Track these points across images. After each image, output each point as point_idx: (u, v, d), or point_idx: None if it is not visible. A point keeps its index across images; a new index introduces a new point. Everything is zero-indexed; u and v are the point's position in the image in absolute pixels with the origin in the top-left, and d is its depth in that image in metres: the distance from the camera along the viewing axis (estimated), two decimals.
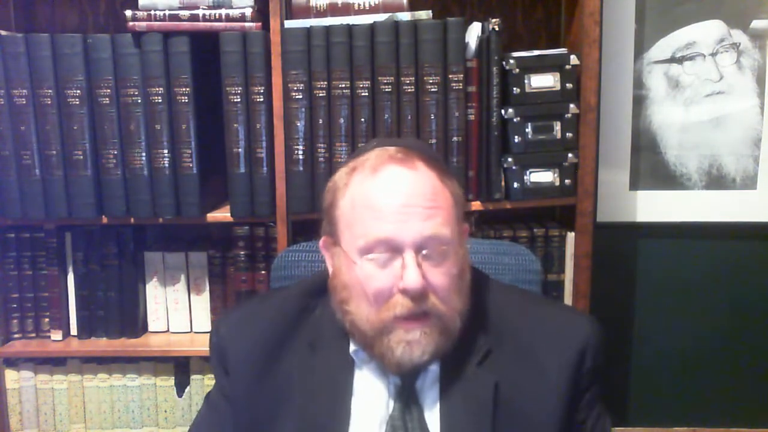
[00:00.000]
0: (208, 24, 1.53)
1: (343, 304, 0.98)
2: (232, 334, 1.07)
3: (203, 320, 1.74)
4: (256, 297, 1.28)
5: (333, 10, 1.56)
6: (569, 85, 1.58)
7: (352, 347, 1.02)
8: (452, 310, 0.95)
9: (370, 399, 1.00)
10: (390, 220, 0.93)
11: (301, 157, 1.56)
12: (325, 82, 1.53)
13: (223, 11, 1.53)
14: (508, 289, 1.11)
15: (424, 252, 0.93)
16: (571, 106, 1.58)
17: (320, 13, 1.56)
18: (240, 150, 1.57)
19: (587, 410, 1.02)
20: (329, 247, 1.02)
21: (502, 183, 1.60)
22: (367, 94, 1.53)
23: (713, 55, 1.82)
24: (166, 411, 1.73)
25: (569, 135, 1.59)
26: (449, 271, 0.95)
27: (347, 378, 1.01)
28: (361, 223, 0.95)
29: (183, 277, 1.72)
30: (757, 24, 1.81)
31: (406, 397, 0.99)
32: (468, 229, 1.04)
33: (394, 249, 0.93)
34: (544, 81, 1.57)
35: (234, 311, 1.13)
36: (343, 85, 1.53)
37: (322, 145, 1.56)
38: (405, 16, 1.54)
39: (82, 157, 1.57)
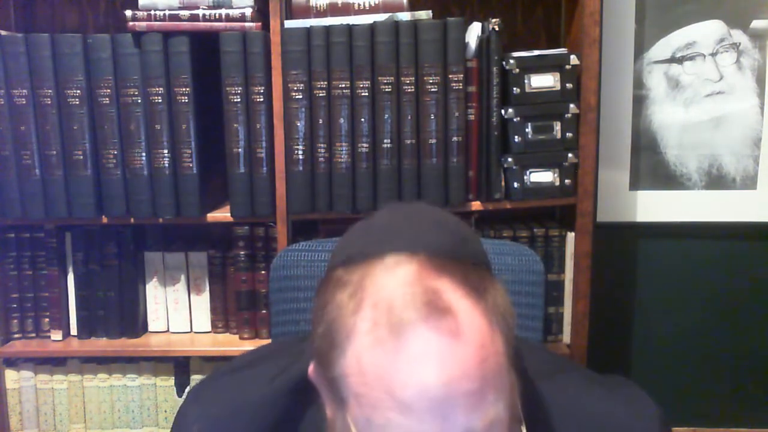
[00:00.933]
0: (208, 24, 1.53)
1: None
2: (201, 427, 0.85)
3: (203, 320, 1.74)
4: (227, 385, 0.91)
5: (333, 10, 1.56)
6: (569, 85, 1.58)
7: None
8: None
9: None
10: (422, 419, 0.63)
11: (301, 157, 1.56)
12: (325, 82, 1.53)
13: (223, 11, 1.53)
14: (562, 383, 0.85)
15: None
16: (571, 106, 1.58)
17: (320, 13, 1.56)
18: (240, 150, 1.57)
19: None
20: (323, 388, 0.73)
21: (502, 183, 1.60)
22: (367, 94, 1.53)
23: (713, 55, 1.82)
24: (166, 411, 1.73)
25: (569, 135, 1.59)
26: None
27: None
28: (378, 410, 0.64)
29: (183, 277, 1.72)
30: (757, 24, 1.81)
31: None
32: (515, 380, 0.71)
33: None
34: (544, 81, 1.57)
35: (201, 410, 0.87)
36: (343, 85, 1.53)
37: (322, 145, 1.56)
38: (405, 16, 1.54)
39: (82, 157, 1.57)
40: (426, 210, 0.80)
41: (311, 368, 0.75)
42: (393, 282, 0.67)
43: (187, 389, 1.72)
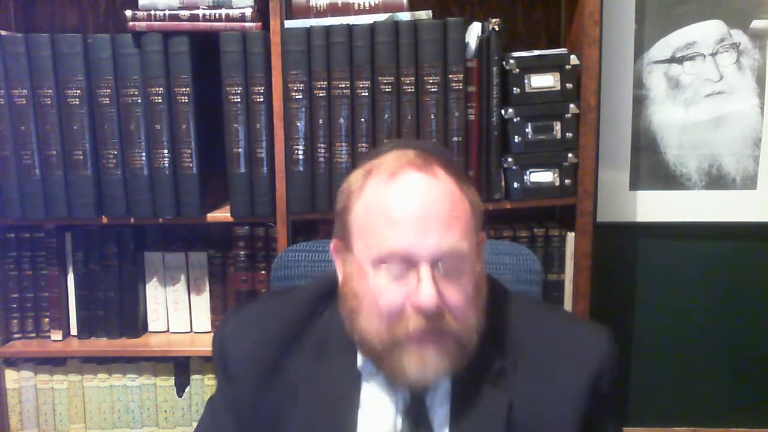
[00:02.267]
0: (208, 24, 1.53)
1: (353, 314, 0.93)
2: (236, 339, 1.02)
3: (203, 320, 1.74)
4: (261, 298, 1.22)
5: (333, 10, 1.56)
6: (569, 85, 1.58)
7: (359, 360, 0.97)
8: (468, 329, 0.91)
9: (377, 413, 0.96)
10: (406, 231, 0.87)
11: (301, 157, 1.56)
12: (325, 82, 1.53)
13: (223, 11, 1.53)
14: (525, 303, 1.05)
15: (440, 265, 0.88)
16: (571, 106, 1.58)
17: (320, 13, 1.56)
18: (240, 150, 1.57)
19: (601, 428, 0.99)
20: (340, 252, 0.97)
21: (502, 183, 1.60)
22: (367, 94, 1.53)
23: (713, 55, 1.82)
24: (166, 411, 1.73)
25: (569, 135, 1.59)
26: (466, 288, 0.90)
27: (354, 391, 0.97)
28: (375, 231, 0.89)
29: (183, 277, 1.72)
30: (757, 24, 1.81)
31: (416, 413, 0.95)
32: (485, 238, 0.99)
33: (409, 262, 0.87)
34: (544, 81, 1.57)
35: (237, 315, 1.08)
36: (343, 85, 1.53)
37: (322, 145, 1.56)
38: (405, 16, 1.54)
39: (82, 157, 1.57)
40: (434, 143, 1.08)
41: (332, 244, 0.99)
42: (393, 158, 0.93)
43: (187, 389, 1.72)
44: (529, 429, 0.94)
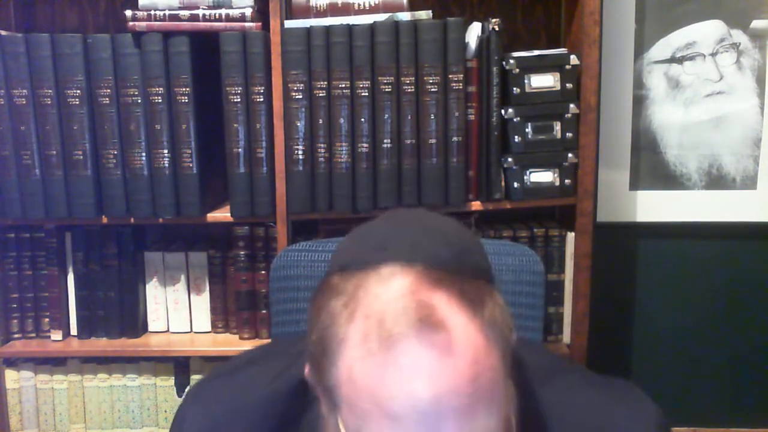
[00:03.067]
0: (208, 24, 1.53)
1: None
2: (194, 418, 0.85)
3: (203, 320, 1.74)
4: (224, 385, 0.90)
5: (333, 10, 1.56)
6: (569, 85, 1.58)
7: None
8: None
9: None
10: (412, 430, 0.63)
11: (301, 157, 1.56)
12: (325, 82, 1.53)
13: (223, 11, 1.53)
14: (559, 387, 0.84)
15: None
16: (571, 106, 1.58)
17: (320, 13, 1.56)
18: (240, 150, 1.57)
19: None
20: (316, 385, 0.72)
21: (502, 183, 1.60)
22: (367, 94, 1.53)
23: (713, 55, 1.82)
24: (166, 411, 1.73)
25: (569, 135, 1.59)
26: None
27: None
28: (368, 421, 0.64)
29: (183, 277, 1.72)
30: (757, 24, 1.81)
31: None
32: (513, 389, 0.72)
33: None
34: (544, 81, 1.57)
35: (199, 407, 0.88)
36: (343, 85, 1.53)
37: (322, 145, 1.56)
38: (405, 16, 1.54)
39: (82, 157, 1.57)
40: (426, 217, 0.78)
41: (306, 370, 0.75)
42: (387, 294, 0.66)
43: (187, 389, 1.72)
44: None
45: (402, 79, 1.53)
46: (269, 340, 1.60)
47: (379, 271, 0.69)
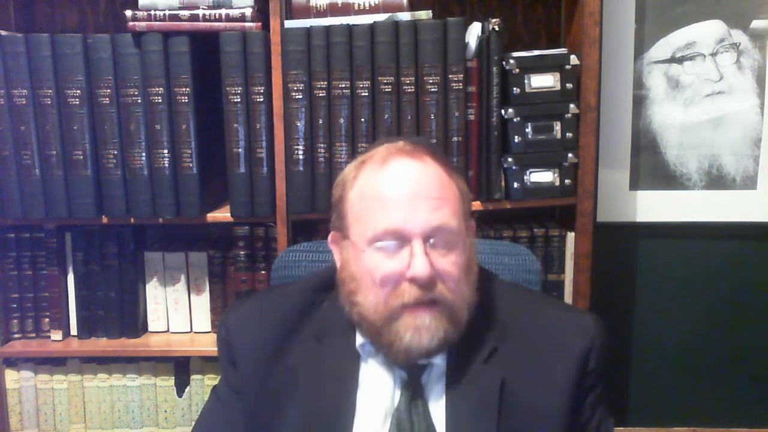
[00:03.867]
0: (208, 24, 1.53)
1: (351, 296, 0.99)
2: (240, 328, 1.07)
3: (203, 320, 1.74)
4: (264, 291, 1.30)
5: (333, 10, 1.56)
6: (569, 85, 1.58)
7: (358, 340, 1.02)
8: (460, 300, 0.96)
9: (375, 392, 1.01)
10: (398, 210, 0.94)
11: (301, 157, 1.56)
12: (325, 82, 1.53)
13: (223, 11, 1.53)
14: (514, 288, 1.12)
15: (431, 241, 0.94)
16: (571, 106, 1.58)
17: (320, 13, 1.56)
18: (240, 150, 1.57)
19: (591, 410, 1.03)
20: (338, 242, 1.03)
21: (502, 183, 1.60)
22: (367, 94, 1.53)
23: (713, 55, 1.82)
24: (166, 411, 1.73)
25: (569, 135, 1.59)
26: (457, 261, 0.96)
27: (353, 370, 1.02)
28: (369, 213, 0.96)
29: (183, 277, 1.72)
30: (757, 24, 1.81)
31: (412, 390, 1.00)
32: (474, 226, 1.04)
33: (402, 238, 0.94)
34: (544, 81, 1.57)
35: (241, 305, 1.15)
36: (343, 85, 1.53)
37: (322, 145, 1.56)
38: (405, 16, 1.54)
39: (82, 157, 1.57)
40: (423, 138, 1.15)
41: (330, 237, 1.05)
42: (384, 149, 1.00)
43: (187, 389, 1.72)
44: (522, 406, 0.98)
45: (402, 79, 1.53)
46: None
47: (377, 147, 1.02)
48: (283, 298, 1.10)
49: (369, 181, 0.98)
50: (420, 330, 0.94)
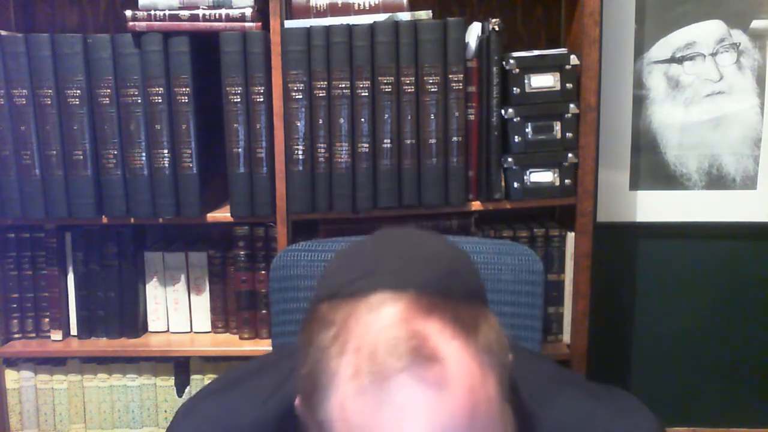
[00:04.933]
0: (208, 24, 1.53)
1: None
2: None
3: (203, 320, 1.74)
4: (221, 400, 0.87)
5: (333, 10, 1.56)
6: (569, 85, 1.58)
7: None
8: None
9: None
10: None
11: (301, 157, 1.56)
12: (325, 82, 1.53)
13: (223, 11, 1.53)
14: (561, 397, 0.83)
15: None
16: (571, 106, 1.58)
17: (320, 13, 1.56)
18: (240, 150, 1.57)
19: None
20: (308, 419, 0.70)
21: (502, 183, 1.60)
22: (367, 94, 1.53)
23: (713, 55, 1.82)
24: (166, 411, 1.73)
25: (569, 135, 1.59)
26: None
27: None
28: None
29: (183, 277, 1.72)
30: (757, 24, 1.81)
31: None
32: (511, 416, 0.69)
33: None
34: (544, 81, 1.57)
35: (195, 425, 0.85)
36: (343, 85, 1.53)
37: (322, 145, 1.56)
38: (405, 16, 1.54)
39: (82, 157, 1.57)
40: (417, 239, 0.76)
41: (297, 401, 0.72)
42: (377, 323, 0.64)
43: (187, 389, 1.72)
44: None
45: (402, 79, 1.53)
46: (269, 341, 1.60)
47: (368, 299, 0.66)
48: (244, 427, 0.83)
49: (357, 409, 0.62)
50: None
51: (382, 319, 0.64)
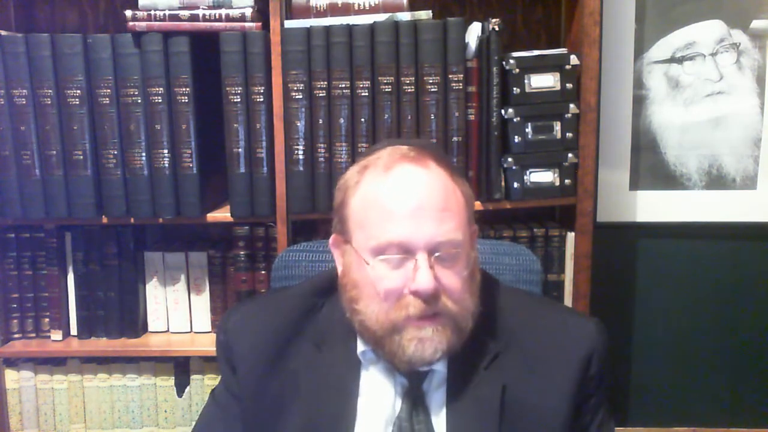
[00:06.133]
0: (208, 24, 1.53)
1: (353, 303, 0.97)
2: (239, 331, 1.06)
3: (203, 320, 1.74)
4: (263, 294, 1.29)
5: (333, 10, 1.56)
6: (569, 85, 1.58)
7: (359, 347, 1.02)
8: (464, 310, 0.95)
9: (376, 399, 1.00)
10: (403, 222, 0.92)
11: (301, 157, 1.56)
12: (325, 82, 1.53)
13: (223, 11, 1.53)
14: (516, 292, 1.11)
15: (436, 254, 0.92)
16: (571, 106, 1.58)
17: (320, 13, 1.56)
18: (240, 150, 1.57)
19: (592, 414, 1.03)
20: (339, 245, 1.01)
21: (502, 183, 1.60)
22: (367, 94, 1.53)
23: (713, 55, 1.82)
24: (166, 411, 1.73)
25: (569, 135, 1.59)
26: (461, 273, 0.94)
27: (354, 378, 1.01)
28: (373, 223, 0.94)
29: (183, 277, 1.72)
30: (757, 24, 1.81)
31: (414, 398, 0.99)
32: (477, 231, 1.03)
33: (407, 251, 0.92)
34: (544, 81, 1.57)
35: (240, 308, 1.12)
36: (343, 85, 1.53)
37: (322, 145, 1.56)
38: (405, 16, 1.54)
39: (82, 157, 1.57)
40: (426, 141, 1.15)
41: (331, 239, 1.03)
42: (387, 154, 0.98)
43: (187, 389, 1.72)
44: (522, 411, 0.98)
45: (402, 79, 1.53)
46: None
47: (381, 151, 1.00)
48: (282, 302, 1.08)
49: (372, 188, 0.96)
50: (423, 341, 0.93)
51: (391, 152, 0.98)
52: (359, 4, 1.56)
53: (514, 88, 1.56)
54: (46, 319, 1.70)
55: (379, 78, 1.52)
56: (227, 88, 1.55)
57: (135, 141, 1.56)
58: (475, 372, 0.99)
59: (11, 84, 1.54)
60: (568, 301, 1.68)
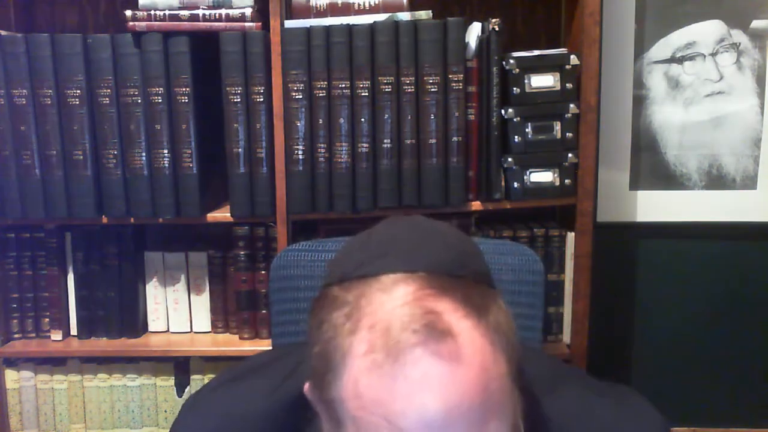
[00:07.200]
0: (208, 24, 1.53)
1: None
2: None
3: (203, 320, 1.74)
4: (229, 392, 0.87)
5: (333, 10, 1.56)
6: (569, 85, 1.58)
7: None
8: None
9: None
10: None
11: (301, 157, 1.56)
12: (325, 82, 1.53)
13: (223, 11, 1.53)
14: (564, 391, 0.84)
15: None
16: (571, 106, 1.58)
17: (320, 13, 1.56)
18: (240, 150, 1.57)
19: None
20: (318, 402, 0.70)
21: (502, 183, 1.60)
22: (367, 94, 1.53)
23: (713, 55, 1.82)
24: (166, 411, 1.73)
25: (569, 135, 1.59)
26: None
27: None
28: None
29: (183, 277, 1.72)
30: (757, 24, 1.81)
31: None
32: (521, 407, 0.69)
33: None
34: (544, 81, 1.57)
35: (203, 416, 0.85)
36: (343, 85, 1.53)
37: (322, 145, 1.56)
38: (405, 16, 1.54)
39: (82, 157, 1.57)
40: (425, 224, 0.78)
41: (307, 386, 0.73)
42: (390, 302, 0.65)
43: (187, 389, 1.72)
44: None
45: (402, 79, 1.53)
46: (269, 341, 1.60)
47: (380, 279, 0.68)
48: (252, 417, 0.82)
49: (372, 385, 0.62)
50: None
51: (394, 299, 0.65)
52: (359, 4, 1.56)
53: (514, 88, 1.56)
54: (46, 319, 1.70)
55: (379, 78, 1.52)
56: (227, 88, 1.55)
57: (135, 141, 1.56)
58: None
59: (11, 84, 1.54)
60: (568, 301, 1.68)
